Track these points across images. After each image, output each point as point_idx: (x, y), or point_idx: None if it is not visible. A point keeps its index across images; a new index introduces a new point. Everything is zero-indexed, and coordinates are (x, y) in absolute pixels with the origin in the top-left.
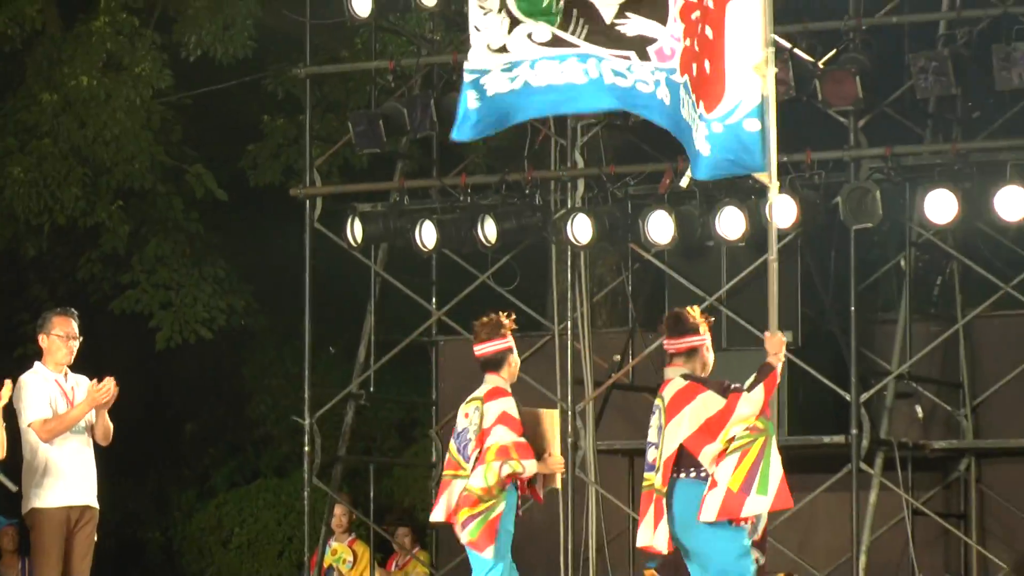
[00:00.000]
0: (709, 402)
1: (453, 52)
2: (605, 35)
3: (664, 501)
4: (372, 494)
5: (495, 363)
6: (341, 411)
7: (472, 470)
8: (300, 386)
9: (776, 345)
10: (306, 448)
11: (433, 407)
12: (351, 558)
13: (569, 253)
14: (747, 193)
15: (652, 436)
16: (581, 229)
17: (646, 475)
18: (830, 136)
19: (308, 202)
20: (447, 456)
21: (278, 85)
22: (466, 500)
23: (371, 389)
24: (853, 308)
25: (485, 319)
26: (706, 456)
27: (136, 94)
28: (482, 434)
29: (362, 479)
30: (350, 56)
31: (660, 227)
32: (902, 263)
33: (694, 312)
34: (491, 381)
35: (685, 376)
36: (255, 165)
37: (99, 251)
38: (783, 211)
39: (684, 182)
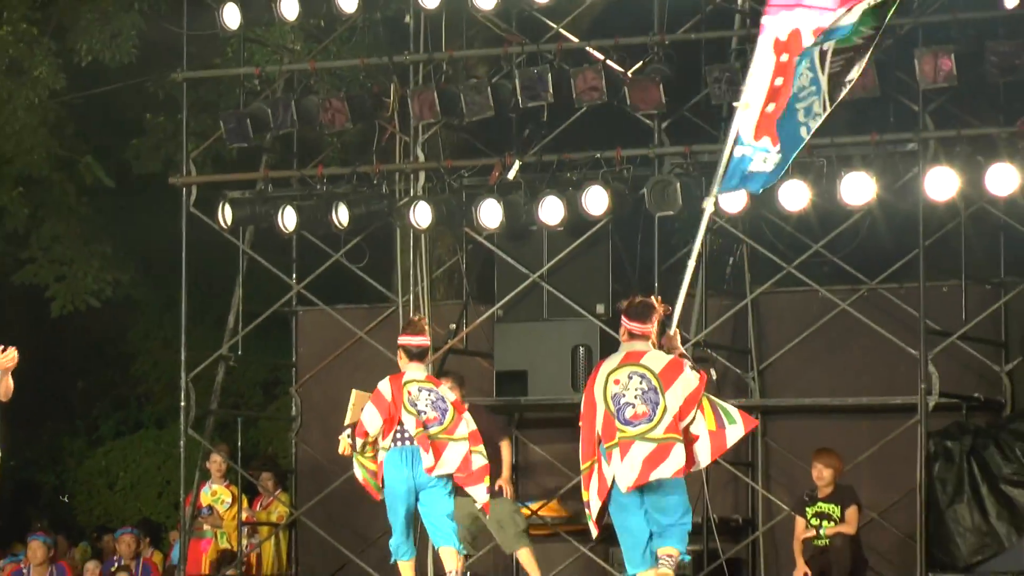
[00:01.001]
0: (690, 378)
1: (310, 60)
2: None
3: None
4: (240, 443)
5: None
6: (213, 371)
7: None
8: (178, 349)
9: (677, 340)
10: (182, 403)
11: (293, 368)
12: (229, 499)
13: (411, 236)
14: (565, 185)
15: (631, 396)
16: (422, 215)
17: (625, 428)
18: (637, 136)
19: (184, 189)
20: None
21: (159, 87)
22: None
23: (239, 352)
24: (656, 284)
25: None
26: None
27: (34, 94)
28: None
29: (231, 430)
30: (222, 63)
31: (490, 213)
32: (698, 247)
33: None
34: None
35: (657, 349)
36: (138, 156)
37: (1, 231)
38: (597, 200)
39: (511, 175)
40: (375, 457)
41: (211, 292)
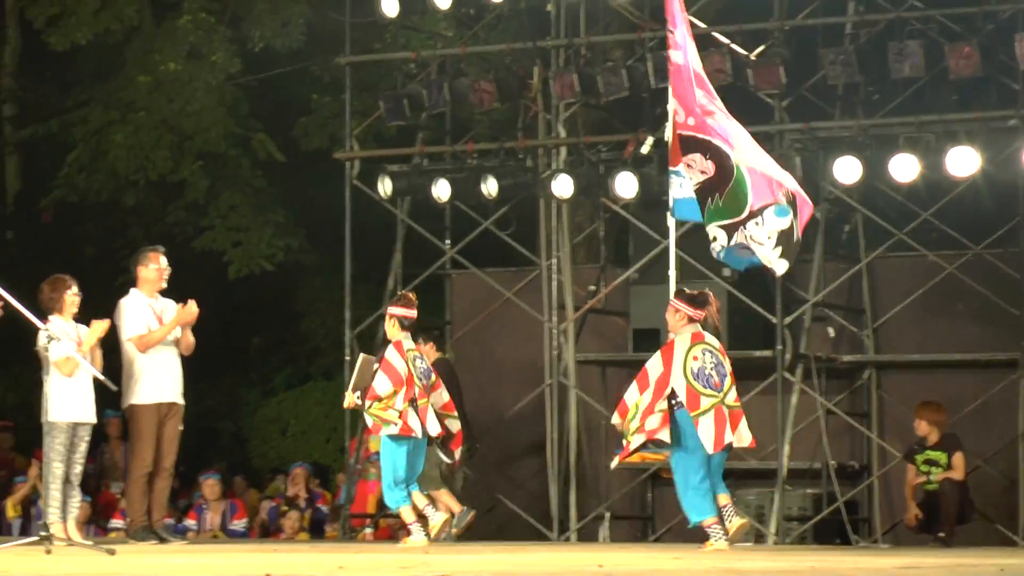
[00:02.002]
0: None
1: (462, 45)
2: None
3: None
4: None
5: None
6: (375, 329)
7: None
8: (343, 308)
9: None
10: (347, 357)
11: (447, 326)
12: None
13: (554, 205)
14: None
15: (709, 368)
16: (563, 186)
17: (708, 392)
18: (759, 113)
19: (348, 163)
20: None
21: (324, 71)
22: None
23: None
24: None
25: None
26: None
27: (212, 77)
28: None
29: None
30: (381, 48)
31: (626, 184)
32: (817, 214)
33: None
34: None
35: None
36: (306, 133)
37: (183, 201)
38: None
39: (645, 149)
40: (385, 409)
41: (372, 257)
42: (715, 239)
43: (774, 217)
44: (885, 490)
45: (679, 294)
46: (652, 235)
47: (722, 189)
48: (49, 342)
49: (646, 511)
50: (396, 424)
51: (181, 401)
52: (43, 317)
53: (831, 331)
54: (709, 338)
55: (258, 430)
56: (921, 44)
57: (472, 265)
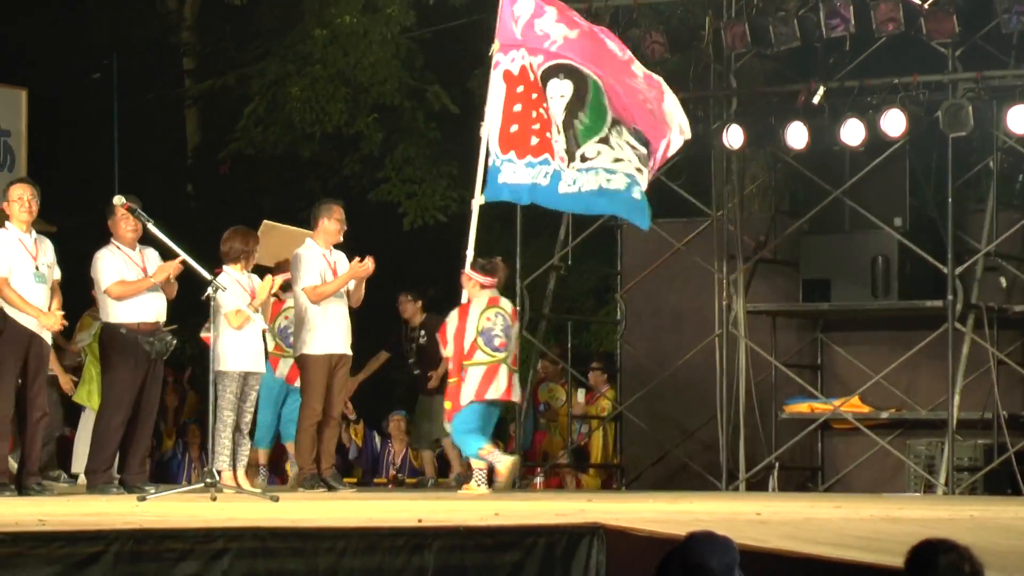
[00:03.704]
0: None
1: None
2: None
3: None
4: (570, 345)
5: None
6: (546, 279)
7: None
8: (515, 258)
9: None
10: (517, 308)
11: (618, 276)
12: (563, 396)
13: (725, 155)
14: (865, 108)
15: (498, 330)
16: (734, 136)
17: (494, 353)
18: (932, 62)
19: None
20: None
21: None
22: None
23: (569, 262)
24: (950, 199)
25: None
26: None
27: (388, 30)
28: None
29: (566, 333)
30: None
31: (797, 135)
32: (991, 164)
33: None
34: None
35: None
36: (480, 85)
37: (359, 153)
38: (895, 122)
39: (816, 99)
40: None
41: (545, 211)
42: (599, 153)
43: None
44: None
45: (473, 264)
46: (823, 185)
47: (584, 106)
48: (215, 292)
49: (815, 461)
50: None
51: (350, 352)
52: (220, 266)
53: (1003, 281)
54: (504, 303)
55: None
56: None
57: None
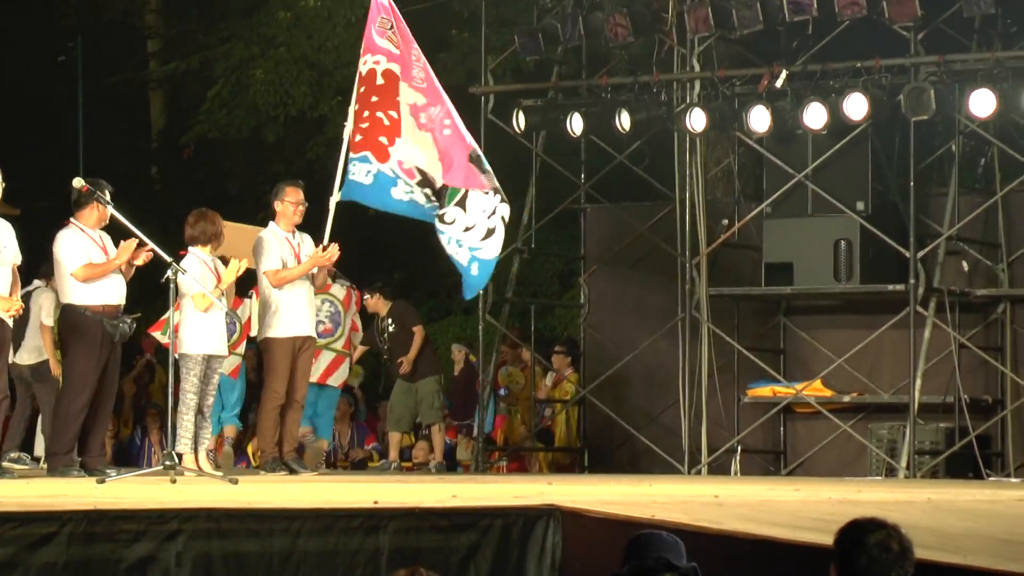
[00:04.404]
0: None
1: None
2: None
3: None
4: (533, 328)
5: None
6: (510, 262)
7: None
8: None
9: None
10: (480, 292)
11: (582, 260)
12: (522, 380)
13: (688, 139)
14: (828, 92)
15: (323, 316)
16: (697, 120)
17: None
18: (894, 46)
19: (483, 98)
20: None
21: (462, 6)
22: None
23: (532, 246)
24: (912, 183)
25: None
26: None
27: (351, 13)
28: None
29: (528, 318)
30: None
31: (760, 118)
32: (952, 148)
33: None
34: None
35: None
36: (444, 68)
37: (323, 136)
38: (857, 106)
39: (779, 83)
40: None
41: (508, 191)
42: (454, 220)
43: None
44: (1018, 424)
45: None
46: (786, 169)
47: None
48: (176, 275)
49: (778, 445)
50: None
51: (314, 335)
52: (185, 248)
53: (965, 265)
54: (335, 289)
55: None
56: None
57: (606, 199)
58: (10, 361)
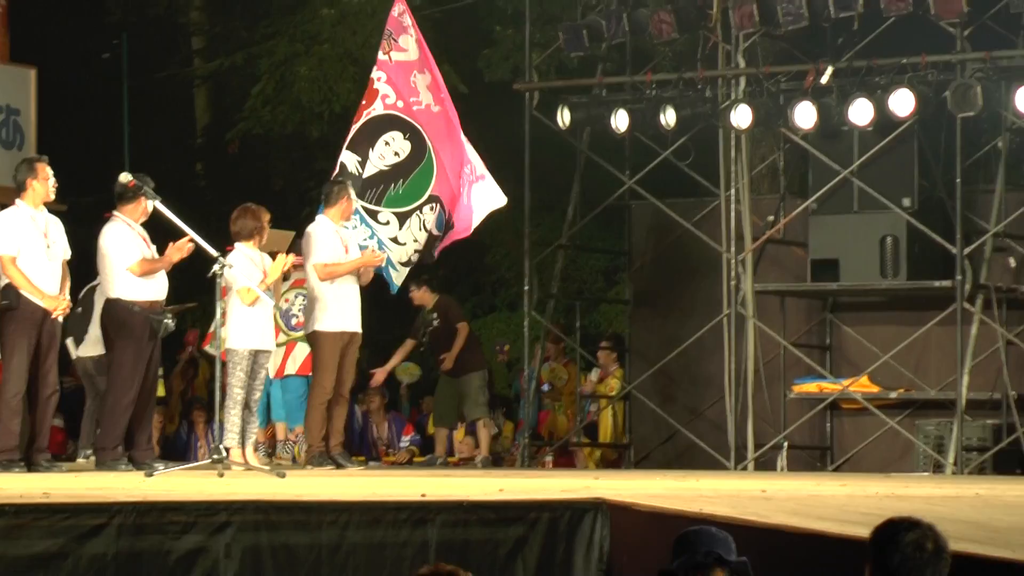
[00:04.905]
0: None
1: None
2: None
3: None
4: (578, 324)
5: None
6: (555, 259)
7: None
8: (523, 239)
9: None
10: (526, 287)
11: (627, 256)
12: (565, 376)
13: (733, 135)
14: (874, 88)
15: (296, 309)
16: (742, 116)
17: (290, 332)
18: (941, 42)
19: (528, 94)
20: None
21: (507, 2)
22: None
23: (577, 242)
24: (959, 180)
25: None
26: None
27: None
28: None
29: (573, 314)
30: None
31: (805, 115)
32: (999, 144)
33: None
34: None
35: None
36: (489, 65)
37: None
38: (903, 102)
39: (824, 79)
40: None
41: (554, 188)
42: (388, 223)
43: (434, 218)
44: None
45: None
46: (832, 165)
47: (408, 174)
48: (222, 269)
49: (824, 441)
50: None
51: (360, 330)
52: (231, 244)
53: (1012, 261)
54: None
55: None
56: None
57: (651, 196)
58: (75, 356)
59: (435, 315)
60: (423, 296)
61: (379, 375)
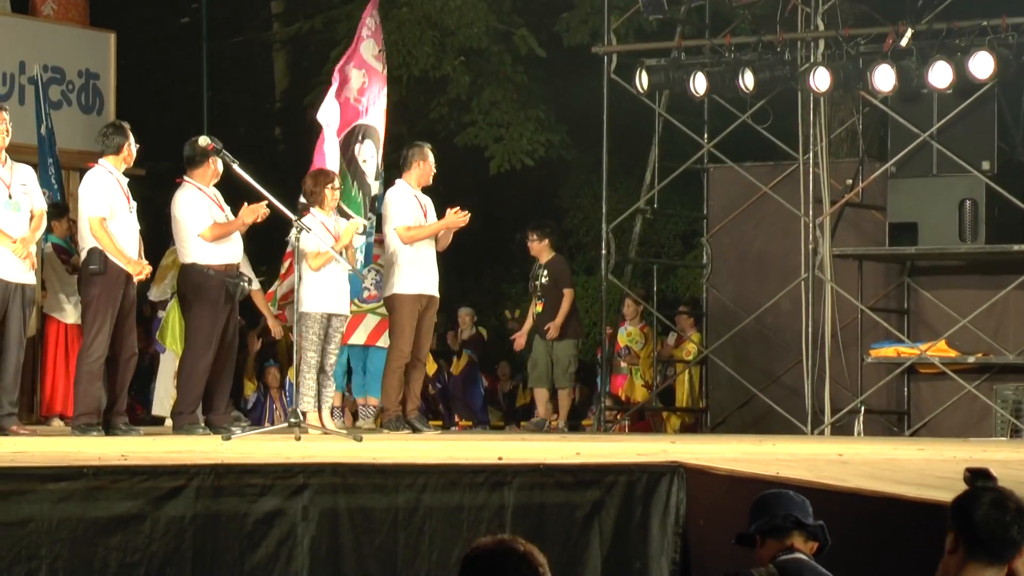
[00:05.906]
0: None
1: None
2: None
3: None
4: (655, 289)
5: None
6: (633, 223)
7: None
8: (601, 202)
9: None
10: (603, 251)
11: (704, 220)
12: (642, 340)
13: (812, 98)
14: (954, 51)
15: (368, 283)
16: (821, 79)
17: (361, 304)
18: (1021, 5)
19: (606, 58)
20: None
21: None
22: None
23: (655, 206)
24: None
25: None
26: None
27: None
28: None
29: (650, 278)
30: None
31: (884, 77)
32: None
33: None
34: None
35: None
36: (567, 29)
37: (446, 97)
38: (983, 65)
39: (904, 42)
40: None
41: (632, 151)
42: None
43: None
44: None
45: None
46: (911, 128)
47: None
48: (300, 232)
49: (901, 406)
50: None
51: (437, 294)
52: (307, 209)
53: None
54: (383, 259)
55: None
56: None
57: (729, 159)
58: None
59: (546, 272)
60: (541, 249)
61: (519, 339)
